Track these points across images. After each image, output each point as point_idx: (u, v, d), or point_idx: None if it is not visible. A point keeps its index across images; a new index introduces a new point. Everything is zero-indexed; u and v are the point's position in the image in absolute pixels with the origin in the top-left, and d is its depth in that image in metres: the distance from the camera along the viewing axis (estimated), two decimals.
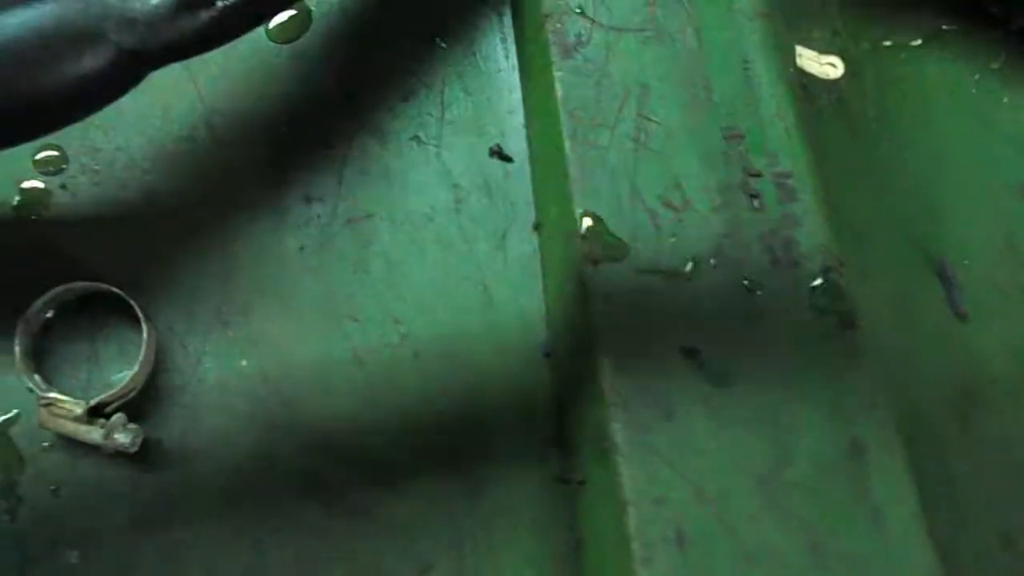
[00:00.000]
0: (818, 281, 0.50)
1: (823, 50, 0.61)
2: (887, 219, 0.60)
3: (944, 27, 0.66)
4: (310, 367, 0.57)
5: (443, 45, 0.64)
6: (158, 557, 0.54)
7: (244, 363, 0.57)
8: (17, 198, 0.61)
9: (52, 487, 0.55)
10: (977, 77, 0.65)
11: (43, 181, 0.61)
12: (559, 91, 0.53)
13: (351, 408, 0.56)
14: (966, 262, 0.60)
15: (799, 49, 0.60)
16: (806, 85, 0.59)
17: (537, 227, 0.60)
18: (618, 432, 0.47)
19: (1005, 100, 0.65)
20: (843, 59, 0.61)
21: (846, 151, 0.61)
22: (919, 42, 0.64)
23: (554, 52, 0.54)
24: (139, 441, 0.54)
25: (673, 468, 0.46)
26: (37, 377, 0.55)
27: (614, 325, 0.49)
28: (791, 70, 0.55)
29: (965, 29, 0.66)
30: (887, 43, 0.64)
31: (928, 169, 0.62)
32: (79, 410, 0.54)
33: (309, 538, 0.55)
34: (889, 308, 0.58)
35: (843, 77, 0.61)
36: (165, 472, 0.56)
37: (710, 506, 0.46)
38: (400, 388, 0.56)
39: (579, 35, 0.54)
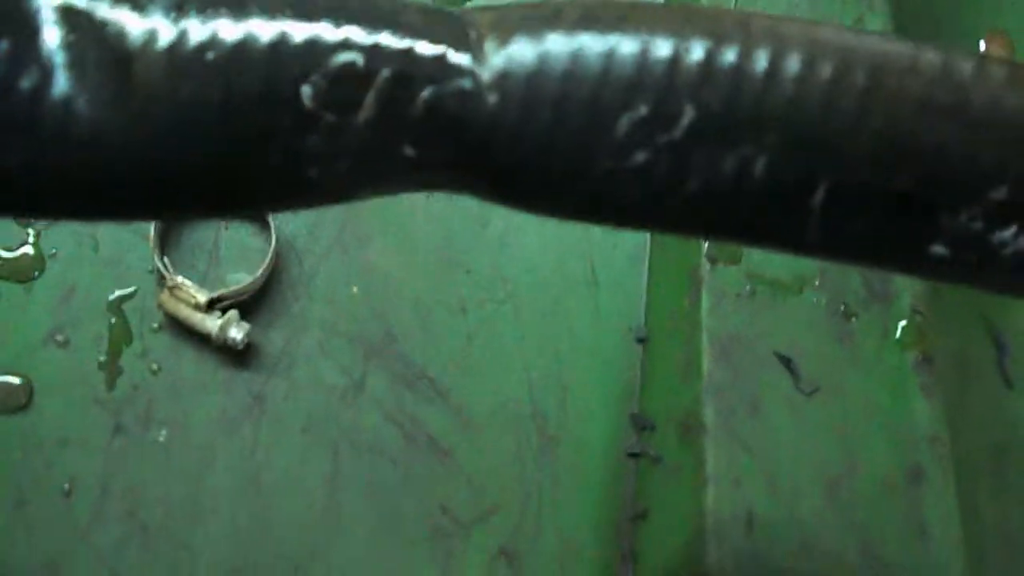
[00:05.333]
0: (905, 321, 0.55)
1: None
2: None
3: None
4: (416, 306, 0.60)
5: None
6: (240, 453, 0.57)
7: (355, 289, 0.61)
8: None
9: (153, 366, 0.58)
10: None
11: None
12: None
13: (447, 351, 0.60)
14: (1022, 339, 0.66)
15: None
16: None
17: None
18: (709, 415, 0.51)
19: None
20: None
21: None
22: None
23: None
24: (246, 340, 0.57)
25: (754, 456, 0.51)
26: (167, 259, 0.58)
27: (720, 320, 0.53)
28: None
29: None
30: None
31: None
32: (201, 299, 0.57)
33: (385, 463, 0.58)
34: (948, 361, 0.63)
35: None
36: (261, 374, 0.59)
37: (781, 497, 0.50)
38: (496, 341, 0.60)
39: None
